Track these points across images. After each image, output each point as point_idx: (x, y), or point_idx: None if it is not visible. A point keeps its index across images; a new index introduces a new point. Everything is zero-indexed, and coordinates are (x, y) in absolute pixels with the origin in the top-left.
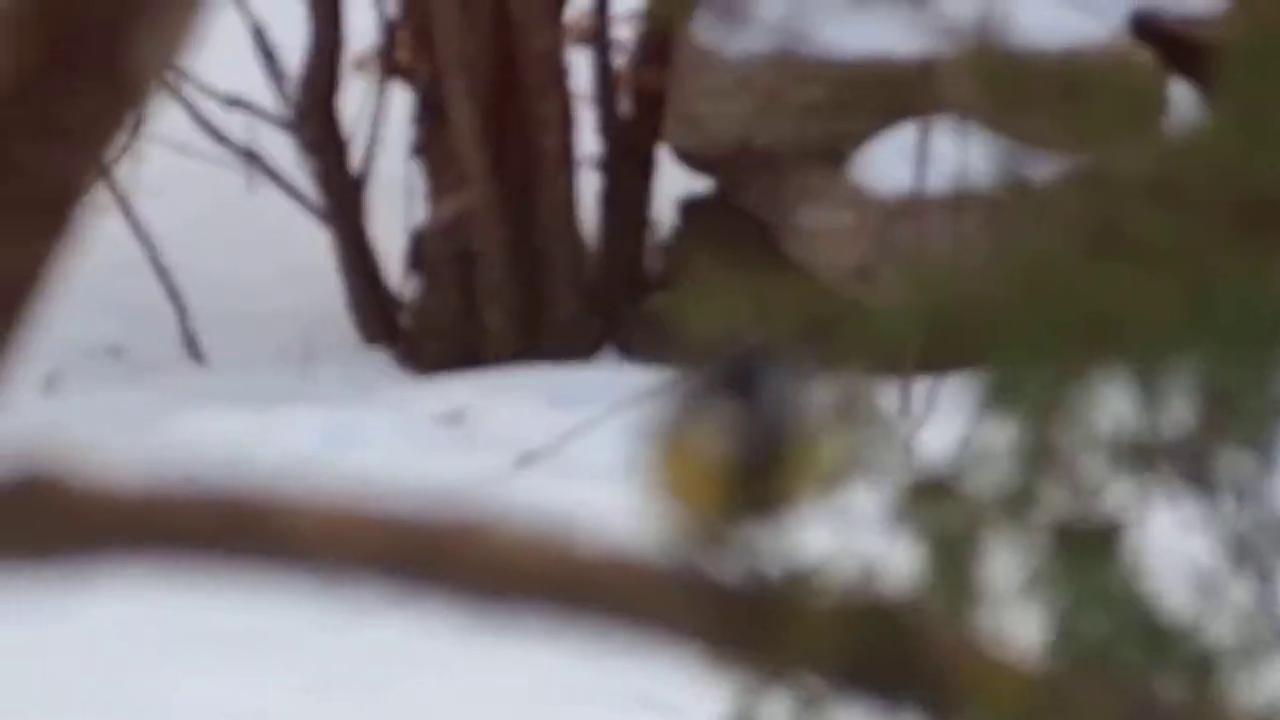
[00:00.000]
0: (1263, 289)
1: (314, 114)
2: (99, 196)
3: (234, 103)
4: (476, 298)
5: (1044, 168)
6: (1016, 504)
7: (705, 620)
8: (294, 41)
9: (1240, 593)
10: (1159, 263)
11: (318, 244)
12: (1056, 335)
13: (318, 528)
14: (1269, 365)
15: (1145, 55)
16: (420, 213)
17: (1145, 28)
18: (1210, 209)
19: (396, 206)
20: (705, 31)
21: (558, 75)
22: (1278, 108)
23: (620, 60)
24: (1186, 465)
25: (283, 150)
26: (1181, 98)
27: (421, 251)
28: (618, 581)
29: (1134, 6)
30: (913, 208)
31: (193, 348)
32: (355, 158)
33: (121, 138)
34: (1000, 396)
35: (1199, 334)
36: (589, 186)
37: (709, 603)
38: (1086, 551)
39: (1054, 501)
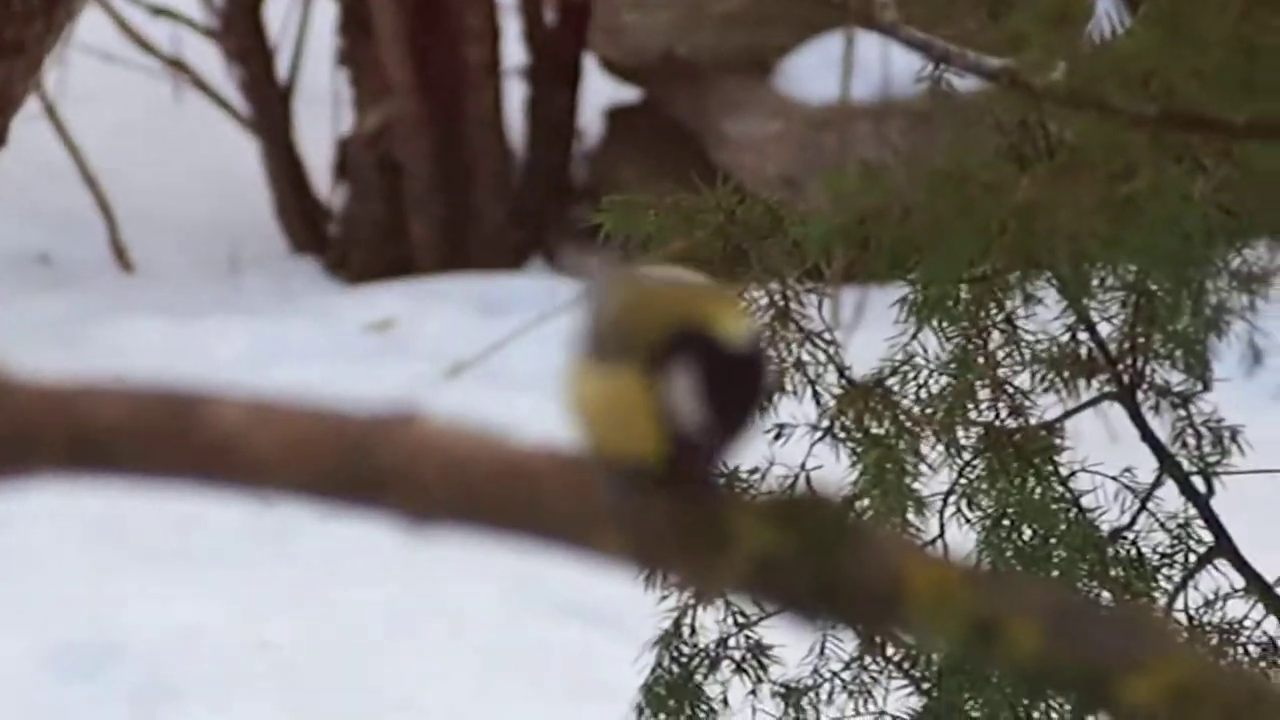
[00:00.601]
0: (1183, 196)
1: (239, 23)
2: (27, 104)
3: (160, 11)
4: (403, 207)
5: (967, 77)
6: (947, 411)
7: (640, 527)
8: None
9: (1171, 501)
10: (1080, 169)
11: (245, 153)
12: (980, 242)
13: (248, 431)
14: (1193, 274)
15: None
16: (346, 122)
17: None
18: (1130, 116)
19: (323, 116)
20: None
21: None
22: (1195, 16)
23: None
24: (1117, 374)
25: (209, 59)
26: (1104, 7)
27: (347, 161)
28: (550, 486)
29: None
30: (838, 116)
31: (121, 257)
32: (281, 67)
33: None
34: (928, 305)
35: (1122, 242)
36: (515, 97)
37: (643, 510)
38: (1019, 458)
39: (984, 409)
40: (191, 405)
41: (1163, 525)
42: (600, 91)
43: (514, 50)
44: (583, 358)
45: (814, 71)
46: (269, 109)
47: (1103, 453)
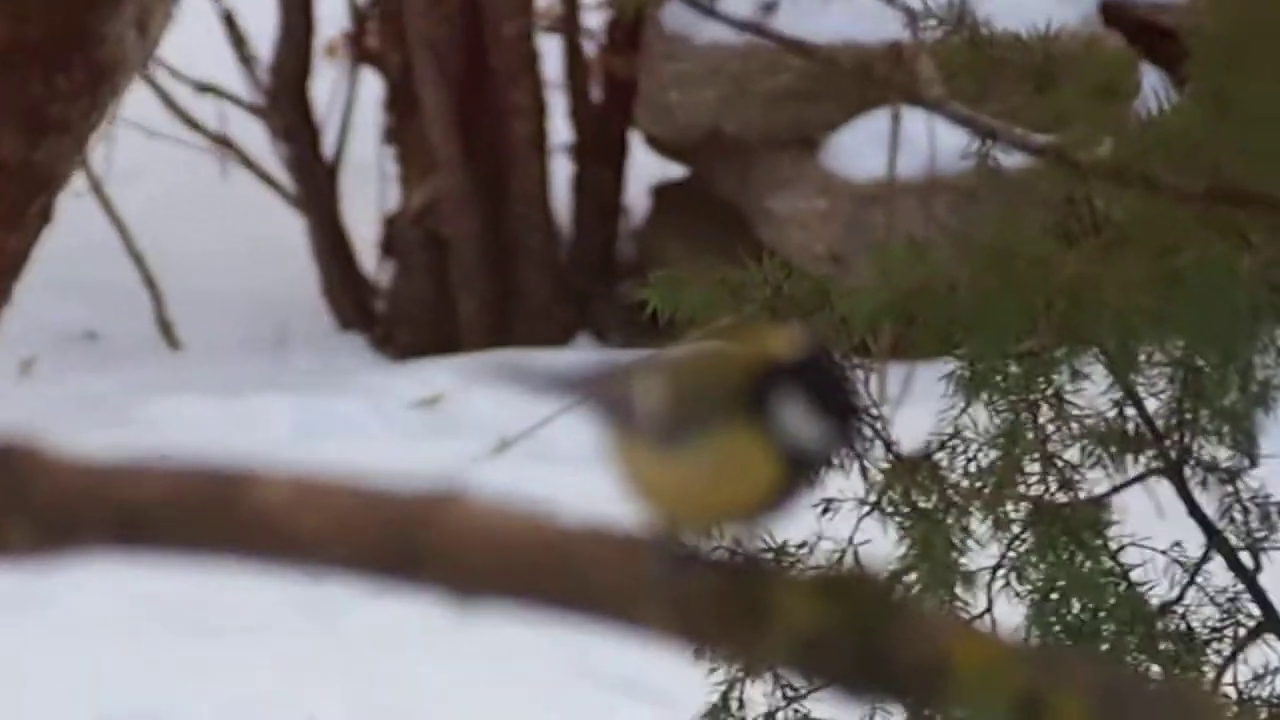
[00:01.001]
0: (1230, 272)
1: (285, 99)
2: (73, 181)
3: (205, 88)
4: (450, 284)
5: (1014, 153)
6: (995, 486)
7: (687, 603)
8: (265, 27)
9: (1219, 575)
10: (1127, 245)
11: (291, 230)
12: (1027, 318)
13: (295, 509)
14: (1240, 350)
15: (1116, 40)
16: (393, 199)
17: (1115, 13)
18: (1178, 192)
19: (369, 193)
20: (675, 18)
21: (528, 61)
22: (1243, 93)
23: (590, 47)
24: (1164, 449)
25: (255, 136)
26: (1151, 83)
27: (394, 237)
28: (597, 562)
29: None
30: (884, 193)
31: (167, 334)
32: (327, 143)
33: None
34: (976, 380)
35: (1169, 318)
36: (561, 173)
37: (691, 585)
38: (1067, 533)
39: (1033, 484)
40: (235, 482)
41: (1212, 600)
42: (646, 168)
43: (560, 127)
44: (640, 438)
45: (860, 148)
46: (315, 185)
47: (1151, 528)
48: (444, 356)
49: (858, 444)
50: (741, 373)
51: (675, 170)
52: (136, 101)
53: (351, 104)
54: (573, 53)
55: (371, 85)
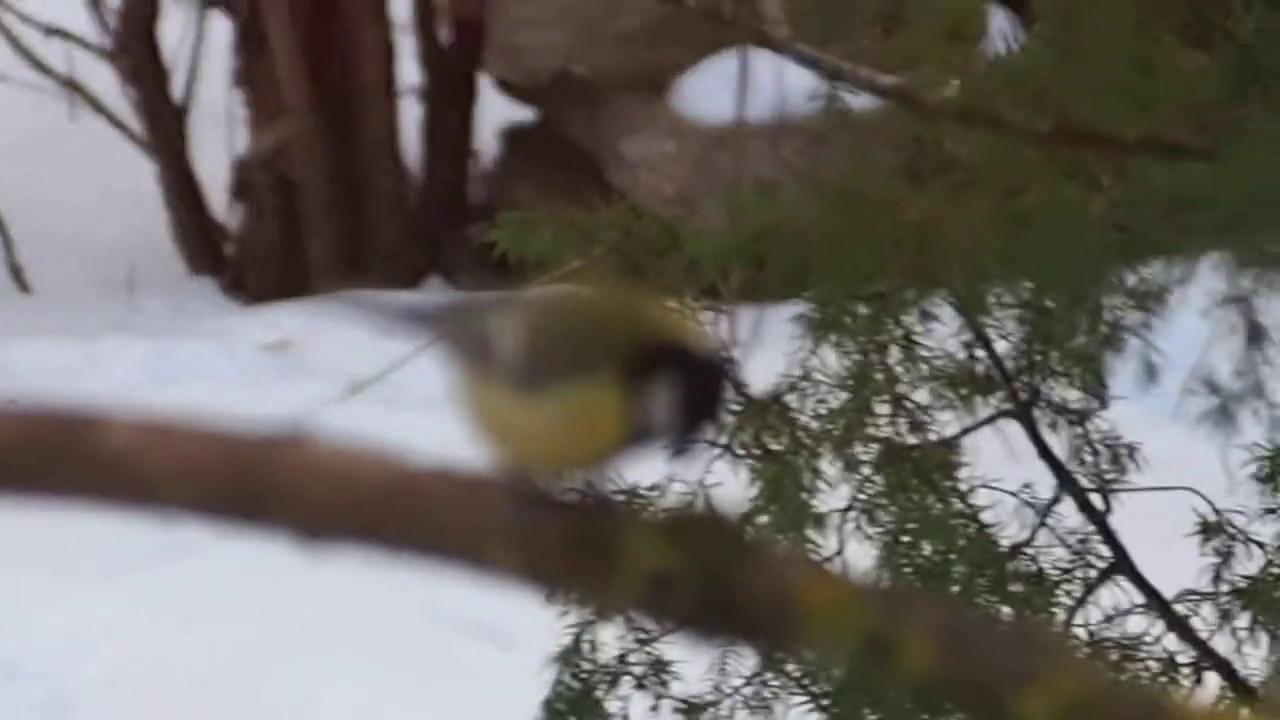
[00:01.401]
0: (1076, 214)
1: (134, 43)
2: None
3: (54, 31)
4: (300, 227)
5: (862, 94)
6: (845, 428)
7: (537, 545)
8: None
9: (1070, 517)
10: (975, 187)
11: (141, 173)
12: (878, 261)
13: (142, 451)
14: (1088, 291)
15: None
16: (243, 142)
17: None
18: (1025, 132)
19: (219, 136)
20: None
21: (377, 4)
22: (1088, 33)
23: None
24: (1014, 391)
25: (104, 80)
26: (999, 25)
27: (243, 181)
28: (447, 505)
29: None
30: (733, 135)
31: (18, 278)
32: (176, 87)
33: None
34: (825, 322)
35: (1017, 260)
36: (410, 116)
37: (541, 527)
38: (917, 475)
39: (883, 426)
40: (84, 425)
41: (1062, 542)
42: (497, 111)
43: (409, 69)
44: (495, 380)
45: (709, 90)
46: (164, 129)
47: (1001, 469)
48: (294, 300)
49: (705, 436)
50: (611, 332)
51: (525, 113)
52: None
53: (200, 47)
54: None
55: (221, 27)
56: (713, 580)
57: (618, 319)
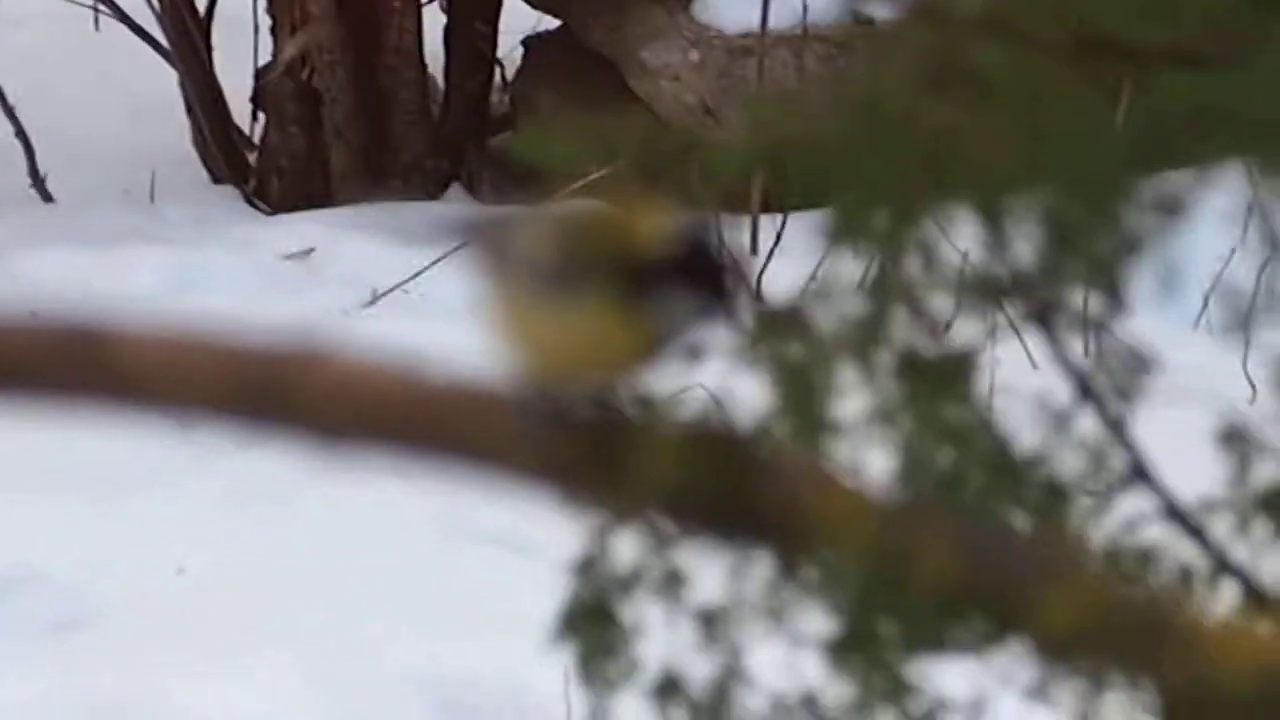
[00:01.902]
0: (1098, 124)
1: None
2: None
3: None
4: (322, 137)
5: (884, 6)
6: (864, 337)
7: (554, 455)
8: None
9: (1088, 426)
10: (996, 98)
11: (165, 83)
12: (897, 171)
13: (162, 360)
14: (1109, 201)
15: None
16: (266, 52)
17: None
18: (1046, 44)
19: (243, 45)
20: None
21: None
22: None
23: None
24: (1033, 300)
25: None
26: None
27: (266, 90)
28: (467, 415)
29: None
30: (756, 45)
31: (40, 186)
32: None
33: None
34: (846, 232)
35: (1038, 170)
36: (434, 26)
37: (558, 438)
38: (934, 384)
39: (901, 335)
40: (102, 334)
41: (1083, 450)
42: (522, 21)
43: None
44: (520, 288)
45: (731, 0)
46: (188, 38)
47: (1022, 378)
48: (316, 209)
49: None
50: (629, 242)
51: (549, 23)
52: None
53: None
54: None
55: None
56: (725, 490)
57: (630, 231)
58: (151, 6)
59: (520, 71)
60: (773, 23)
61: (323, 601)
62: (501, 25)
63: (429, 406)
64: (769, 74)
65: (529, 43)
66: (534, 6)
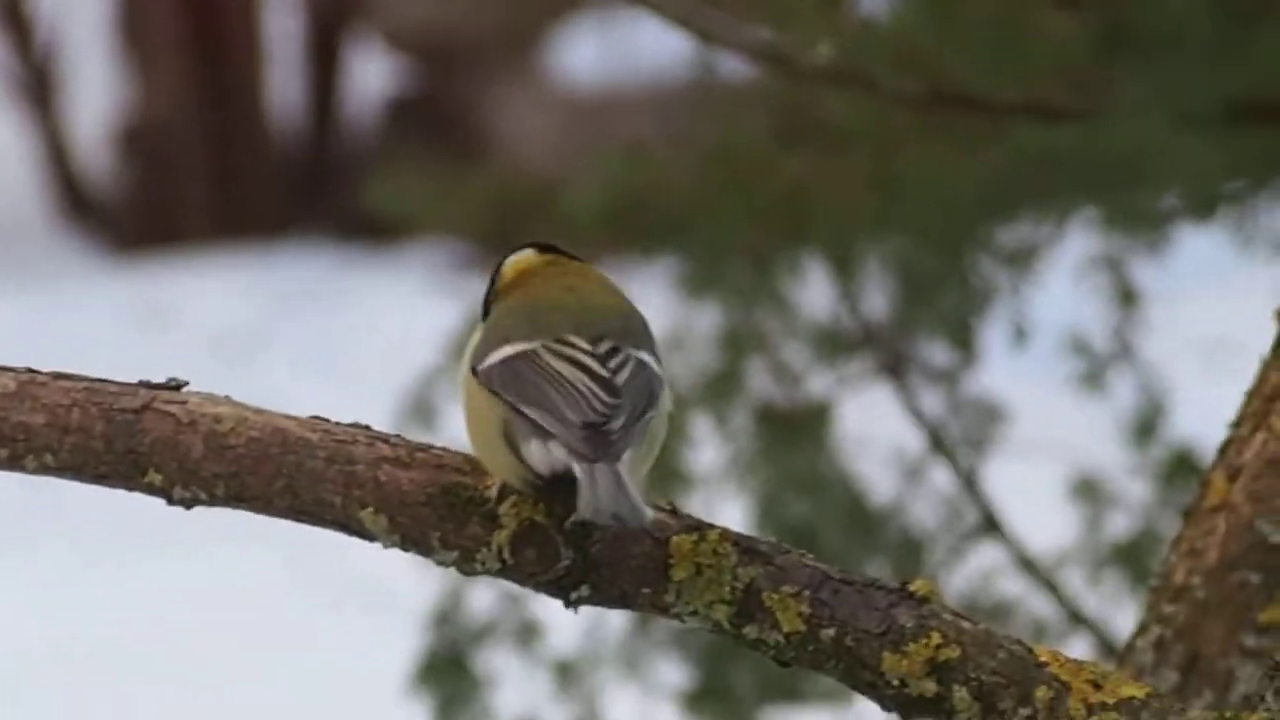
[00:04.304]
0: (949, 175)
1: None
2: None
3: None
4: (173, 180)
5: (734, 56)
6: (720, 387)
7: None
8: None
9: (940, 477)
10: (848, 148)
11: (10, 126)
12: (750, 220)
13: (12, 399)
14: (961, 252)
15: None
16: (114, 93)
17: None
18: (897, 95)
19: (90, 87)
20: None
21: None
22: None
23: None
24: (886, 352)
25: None
26: None
27: (115, 132)
28: (319, 462)
29: None
30: (609, 99)
31: None
32: (46, 37)
33: None
34: (701, 282)
35: (891, 219)
36: (288, 69)
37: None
38: (790, 434)
39: (757, 385)
40: None
41: (933, 502)
42: (375, 67)
43: (287, 21)
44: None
45: (581, 53)
46: (35, 78)
47: (874, 429)
48: (166, 251)
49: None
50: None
51: (403, 72)
52: None
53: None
54: None
55: None
56: (581, 541)
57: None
58: None
59: (373, 117)
60: (624, 77)
61: (172, 658)
62: (351, 71)
63: (281, 452)
64: (618, 127)
65: (386, 93)
66: (389, 53)
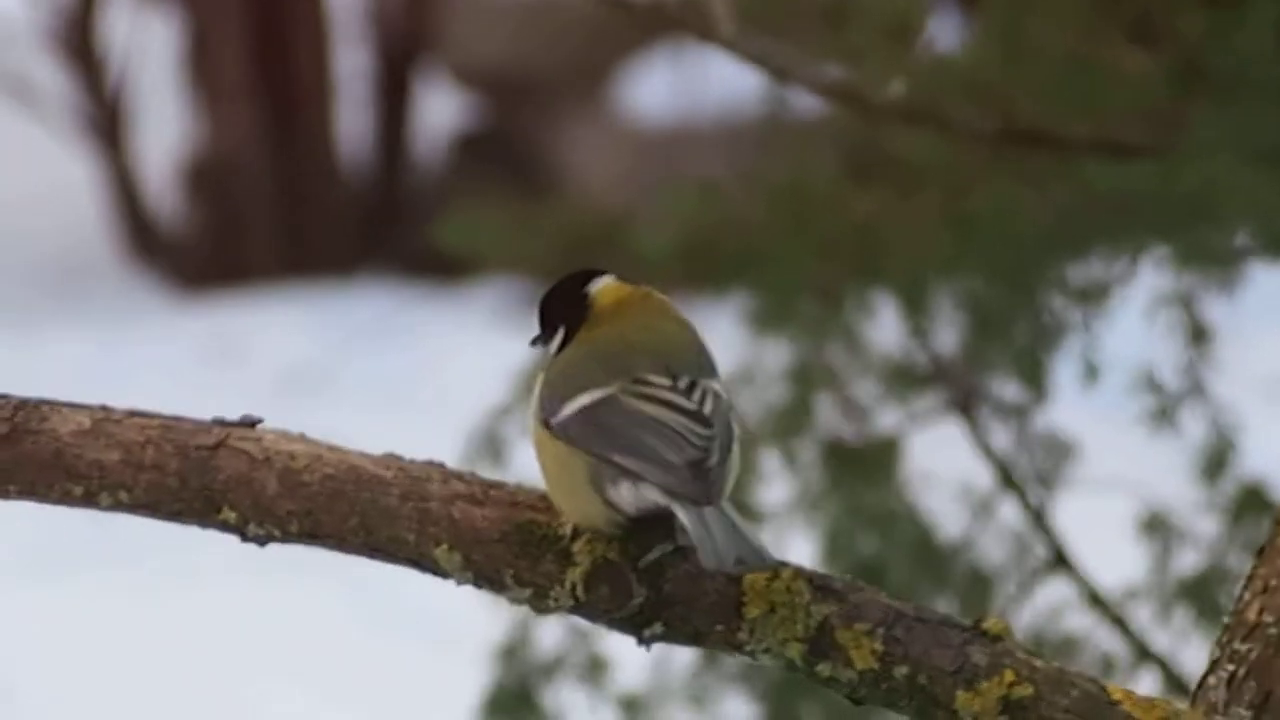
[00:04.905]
0: (1021, 212)
1: (73, 30)
2: None
3: None
4: (241, 218)
5: (807, 92)
6: (789, 422)
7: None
8: None
9: (1010, 513)
10: (920, 185)
11: (79, 162)
12: (820, 256)
13: (86, 437)
14: (1031, 287)
15: None
16: (185, 131)
17: None
18: (969, 132)
19: (160, 124)
20: None
21: (319, 2)
22: (1036, 35)
23: None
24: (956, 388)
25: (43, 68)
26: (942, 21)
27: (185, 170)
28: (389, 496)
29: None
30: (680, 135)
31: None
32: (116, 74)
33: None
34: (771, 318)
35: (961, 257)
36: (356, 108)
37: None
38: (859, 469)
39: (826, 420)
40: (30, 415)
41: (1004, 538)
42: (445, 104)
43: (356, 59)
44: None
45: (654, 90)
46: (103, 117)
47: (943, 465)
48: (234, 288)
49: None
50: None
51: (472, 108)
52: None
53: (142, 36)
54: None
55: (163, 17)
56: (652, 578)
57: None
58: (63, 88)
59: (443, 155)
60: (695, 113)
61: (239, 696)
62: (423, 109)
63: (354, 489)
64: (690, 163)
65: (455, 129)
66: (459, 91)
